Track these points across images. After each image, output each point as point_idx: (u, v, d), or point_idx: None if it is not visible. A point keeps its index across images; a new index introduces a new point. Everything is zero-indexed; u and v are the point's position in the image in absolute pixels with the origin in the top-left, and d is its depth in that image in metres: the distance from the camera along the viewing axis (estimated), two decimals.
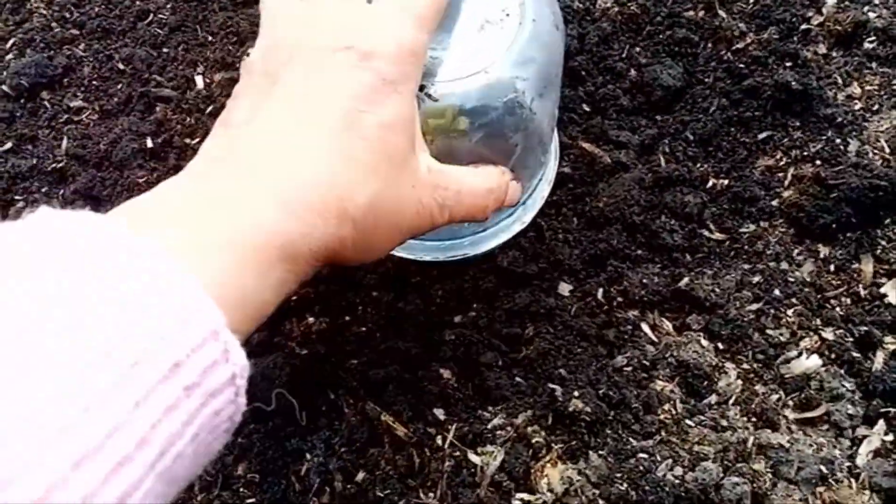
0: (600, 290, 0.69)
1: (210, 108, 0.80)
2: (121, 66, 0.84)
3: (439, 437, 0.62)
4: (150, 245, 0.34)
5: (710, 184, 0.73)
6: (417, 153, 0.50)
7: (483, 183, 0.57)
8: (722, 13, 0.81)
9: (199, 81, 0.82)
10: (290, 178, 0.42)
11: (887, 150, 0.72)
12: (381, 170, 0.46)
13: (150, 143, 0.78)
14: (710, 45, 0.80)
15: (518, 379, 0.65)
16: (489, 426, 0.62)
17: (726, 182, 0.73)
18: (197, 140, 0.78)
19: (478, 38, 0.58)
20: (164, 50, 0.85)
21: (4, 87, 0.83)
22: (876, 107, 0.74)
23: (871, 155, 0.71)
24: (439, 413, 0.63)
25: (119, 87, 0.83)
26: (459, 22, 0.59)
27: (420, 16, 0.51)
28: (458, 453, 0.60)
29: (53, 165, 0.78)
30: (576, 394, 0.62)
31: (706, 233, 0.71)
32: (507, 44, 0.58)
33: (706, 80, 0.78)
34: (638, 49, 0.82)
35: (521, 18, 0.59)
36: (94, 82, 0.83)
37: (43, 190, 0.77)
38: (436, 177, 0.52)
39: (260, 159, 0.43)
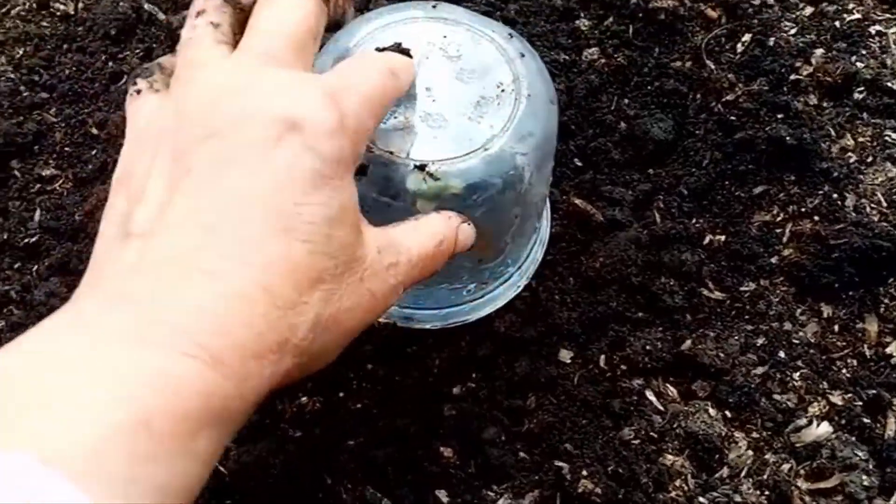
0: (602, 357, 0.67)
1: None
2: (94, 131, 0.81)
3: None
4: (21, 461, 0.26)
5: (706, 240, 0.72)
6: (364, 237, 0.44)
7: (432, 238, 0.51)
8: (710, 63, 0.81)
9: None
10: (210, 315, 0.33)
11: (884, 203, 0.71)
12: (327, 277, 0.38)
13: None
14: (699, 96, 0.79)
15: (522, 454, 0.63)
16: None
17: (723, 238, 0.72)
18: None
19: (475, 114, 0.57)
20: None
21: None
22: (870, 159, 0.73)
23: (868, 209, 0.70)
24: (442, 495, 0.61)
25: (94, 152, 0.80)
26: (455, 98, 0.58)
27: (349, 85, 0.45)
28: None
29: (26, 240, 0.74)
30: (584, 473, 0.60)
31: (706, 292, 0.70)
32: (504, 120, 0.57)
33: (697, 132, 0.77)
34: (627, 101, 0.80)
35: (516, 94, 0.58)
36: (67, 149, 0.80)
37: (15, 266, 0.73)
38: (385, 255, 0.45)
39: (168, 291, 0.34)
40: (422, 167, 0.55)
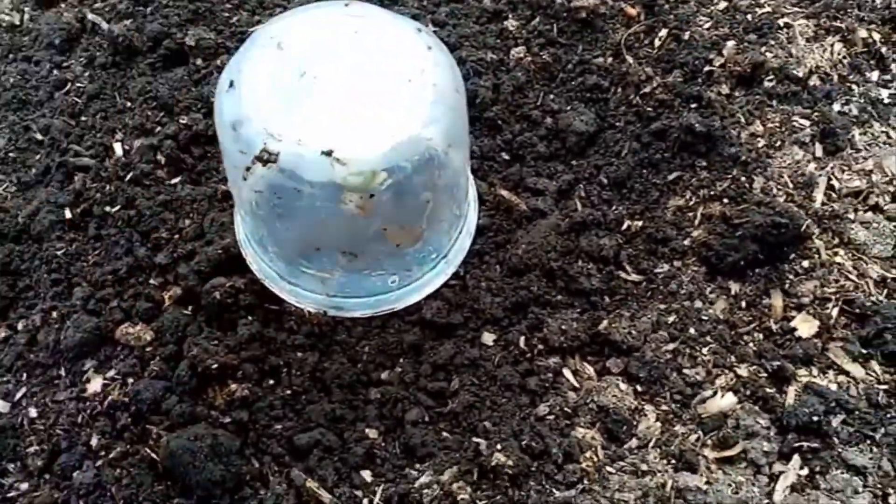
0: (522, 339, 0.70)
1: (129, 175, 0.79)
2: (38, 137, 0.84)
3: (366, 499, 0.61)
4: None
5: (625, 225, 0.75)
6: None
7: None
8: (629, 58, 0.84)
9: (118, 149, 0.82)
10: None
11: (790, 185, 0.74)
12: None
13: (68, 214, 0.77)
14: (619, 89, 0.83)
15: (444, 434, 0.65)
16: (416, 485, 0.62)
17: (640, 223, 0.75)
18: (117, 208, 0.78)
19: (384, 103, 0.60)
20: (83, 118, 0.85)
21: None
22: (778, 143, 0.77)
23: (774, 191, 0.74)
24: (366, 475, 0.63)
25: (37, 157, 0.82)
26: (365, 88, 0.61)
27: None
28: None
29: None
30: (499, 447, 0.62)
31: (623, 274, 0.73)
32: (411, 108, 0.60)
33: (617, 124, 0.81)
34: (552, 96, 0.84)
35: (423, 84, 0.61)
36: (11, 154, 0.82)
37: None
38: None
39: None
40: (329, 153, 0.58)
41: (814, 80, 0.79)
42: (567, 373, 0.68)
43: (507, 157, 0.81)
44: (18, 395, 0.67)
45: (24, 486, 0.63)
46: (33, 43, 0.91)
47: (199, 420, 0.65)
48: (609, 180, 0.78)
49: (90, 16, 0.92)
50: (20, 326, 0.71)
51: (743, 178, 0.75)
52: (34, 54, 0.90)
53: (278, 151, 0.59)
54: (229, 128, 0.61)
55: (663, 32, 0.85)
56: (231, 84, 0.62)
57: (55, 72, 0.89)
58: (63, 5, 0.95)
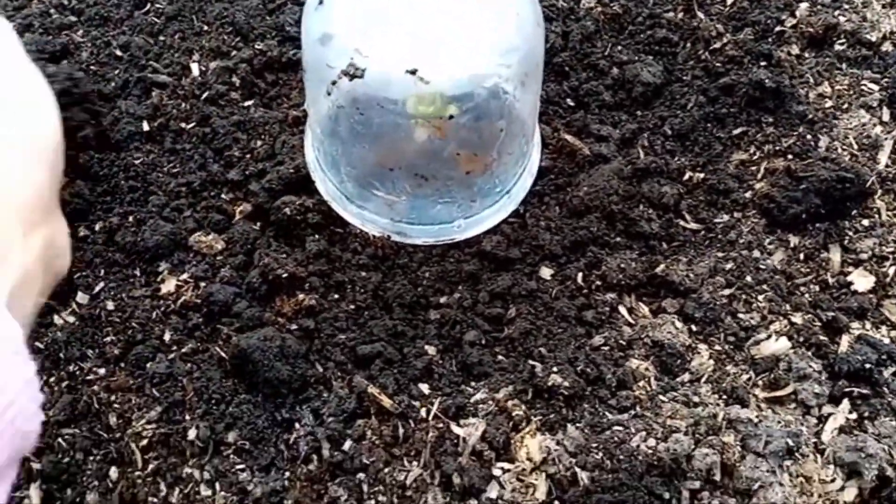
0: (580, 275, 0.71)
1: (205, 95, 0.82)
2: (118, 53, 0.86)
3: (423, 409, 0.64)
4: None
5: (686, 176, 0.77)
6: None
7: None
8: (700, 14, 0.85)
9: (195, 69, 0.84)
10: None
11: (855, 146, 0.75)
12: None
13: (146, 126, 0.80)
14: (688, 44, 0.84)
15: (500, 357, 0.67)
16: (472, 400, 0.64)
17: (702, 175, 0.76)
18: (192, 125, 0.80)
19: (466, 28, 0.62)
20: (161, 38, 0.87)
21: None
22: (845, 105, 0.78)
23: (839, 150, 0.75)
24: (424, 387, 0.66)
25: (116, 72, 0.85)
26: (447, 14, 0.63)
27: None
28: (441, 425, 0.63)
29: None
30: (555, 370, 0.64)
31: (682, 222, 0.74)
32: (491, 35, 0.62)
33: (684, 77, 0.82)
34: (620, 47, 0.85)
35: (505, 12, 0.62)
36: (92, 67, 0.85)
37: None
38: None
39: None
40: (413, 71, 0.60)
41: (886, 46, 0.80)
42: (622, 309, 0.69)
43: (571, 104, 0.83)
44: (97, 289, 0.70)
45: (102, 371, 0.66)
46: None
47: (267, 325, 0.68)
48: (673, 131, 0.79)
49: None
50: (98, 227, 0.74)
51: (808, 136, 0.76)
52: None
53: (364, 67, 0.61)
54: (317, 43, 0.64)
55: None
56: (321, 1, 0.65)
57: None
58: None
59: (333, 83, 0.62)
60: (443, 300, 0.71)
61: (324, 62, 0.62)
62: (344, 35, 0.62)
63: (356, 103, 0.62)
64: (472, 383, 0.66)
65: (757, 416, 0.62)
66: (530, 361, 0.66)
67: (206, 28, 0.88)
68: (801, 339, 0.67)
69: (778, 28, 0.82)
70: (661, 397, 0.63)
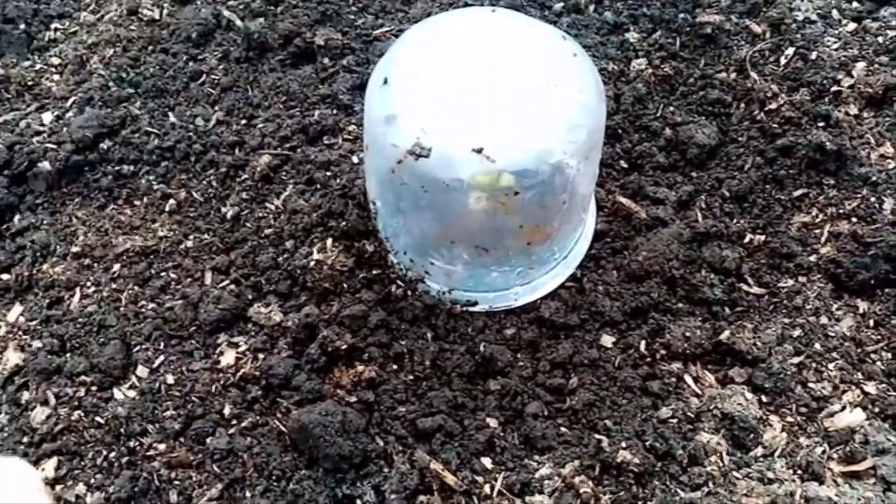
0: (643, 343, 0.70)
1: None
2: (174, 121, 0.88)
3: (487, 485, 0.62)
4: None
5: (747, 239, 0.75)
6: None
7: None
8: (754, 75, 0.84)
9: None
10: None
11: None
12: None
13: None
14: (742, 105, 0.83)
15: (563, 429, 0.66)
16: (536, 476, 0.63)
17: (763, 238, 0.75)
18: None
19: (529, 106, 0.62)
20: (217, 109, 0.89)
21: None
22: None
23: None
24: (486, 462, 0.64)
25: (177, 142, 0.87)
26: (512, 91, 0.63)
27: None
28: (506, 502, 0.61)
29: None
30: (623, 444, 0.63)
31: (745, 287, 0.73)
32: (556, 112, 0.62)
33: (740, 138, 0.81)
34: (672, 108, 0.84)
35: (569, 89, 0.62)
36: (155, 141, 0.87)
37: None
38: None
39: None
40: (479, 150, 0.60)
41: None
42: (689, 379, 0.68)
43: (625, 166, 0.82)
44: (157, 363, 0.70)
45: (162, 446, 0.65)
46: (171, 36, 0.97)
47: (326, 397, 0.67)
48: (731, 193, 0.78)
49: (226, 12, 0.97)
50: (159, 301, 0.75)
51: (873, 199, 0.74)
52: (172, 47, 0.95)
53: (430, 147, 0.61)
54: (382, 122, 0.64)
55: (790, 51, 0.85)
56: (385, 81, 0.65)
57: (191, 63, 0.93)
58: (199, 2, 1.00)
59: (399, 162, 0.62)
60: (503, 369, 0.70)
61: (389, 141, 0.63)
62: (409, 115, 0.62)
63: (421, 181, 0.62)
64: (536, 456, 0.65)
65: (835, 493, 0.60)
66: (595, 435, 0.64)
67: (260, 98, 0.89)
68: (877, 410, 0.64)
69: (835, 88, 0.81)
70: (734, 473, 0.61)
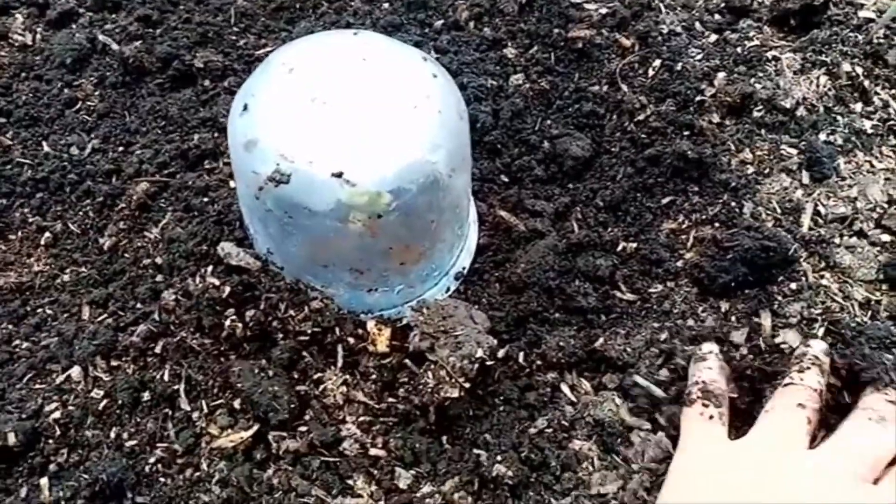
0: (521, 354, 0.72)
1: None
2: (48, 150, 0.86)
3: None
4: None
5: (620, 247, 0.78)
6: None
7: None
8: (624, 87, 0.88)
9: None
10: None
11: (779, 210, 0.78)
12: None
13: None
14: (614, 117, 0.86)
15: (446, 446, 0.67)
16: (418, 494, 0.64)
17: (635, 245, 0.78)
18: None
19: (391, 128, 0.63)
20: (93, 136, 0.87)
21: None
22: (767, 170, 0.80)
23: (764, 216, 0.77)
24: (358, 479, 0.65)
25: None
26: (373, 113, 0.64)
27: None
28: None
29: None
30: (499, 458, 0.64)
31: (618, 294, 0.76)
32: (418, 133, 0.63)
33: (612, 149, 0.84)
34: (549, 122, 0.87)
35: (429, 110, 0.64)
36: (28, 171, 0.84)
37: None
38: None
39: None
40: (339, 174, 0.61)
41: (801, 111, 0.83)
42: (565, 388, 0.70)
43: (506, 180, 0.84)
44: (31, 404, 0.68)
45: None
46: (45, 62, 0.94)
47: None
48: (605, 203, 0.81)
49: (101, 37, 0.95)
50: (34, 339, 0.73)
51: (733, 204, 0.78)
52: (46, 73, 0.93)
53: (290, 172, 0.61)
54: (242, 148, 0.64)
55: (657, 63, 0.88)
56: (245, 107, 0.65)
57: (66, 90, 0.91)
58: (74, 26, 0.98)
59: (261, 189, 0.62)
60: None
61: (250, 168, 0.63)
62: (268, 140, 0.63)
63: (284, 207, 0.63)
64: (415, 474, 0.66)
65: None
66: (475, 450, 0.66)
67: (138, 123, 0.88)
68: None
69: (698, 98, 0.85)
70: (603, 475, 0.64)
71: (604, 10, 0.94)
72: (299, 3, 1.02)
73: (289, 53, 0.69)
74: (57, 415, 0.67)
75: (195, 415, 0.67)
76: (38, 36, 0.97)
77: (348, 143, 0.62)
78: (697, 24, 0.92)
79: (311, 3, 1.02)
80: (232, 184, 0.80)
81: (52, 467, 0.66)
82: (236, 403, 0.67)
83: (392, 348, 0.70)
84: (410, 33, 0.93)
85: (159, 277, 0.76)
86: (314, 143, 0.62)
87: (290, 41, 0.72)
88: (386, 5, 0.99)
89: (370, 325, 0.70)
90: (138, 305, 0.74)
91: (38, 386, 0.70)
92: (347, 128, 0.63)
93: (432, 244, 0.69)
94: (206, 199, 0.79)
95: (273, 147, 0.62)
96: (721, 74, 0.86)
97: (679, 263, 0.76)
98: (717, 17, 0.93)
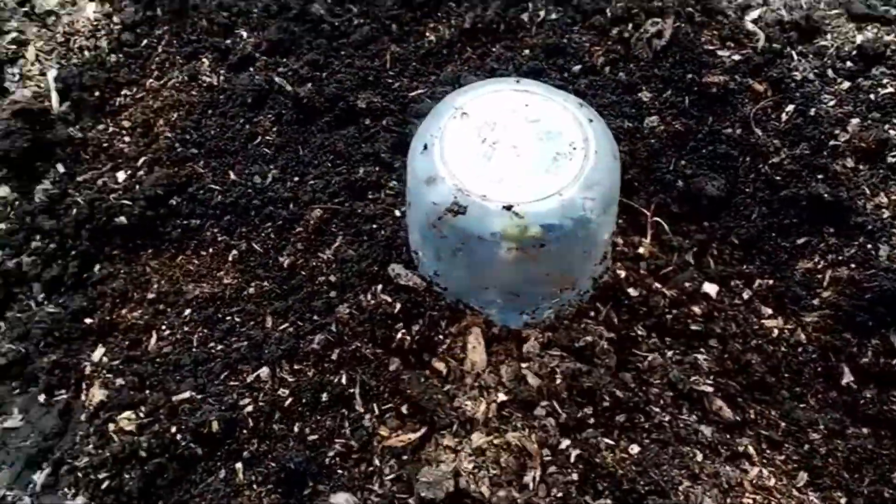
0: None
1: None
2: (233, 177, 0.98)
3: None
4: None
5: (756, 284, 0.83)
6: None
7: None
8: (758, 131, 0.93)
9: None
10: None
11: None
12: None
13: None
14: (748, 159, 0.91)
15: None
16: None
17: (770, 282, 0.83)
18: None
19: (552, 167, 0.71)
20: (272, 167, 0.99)
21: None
22: None
23: None
24: None
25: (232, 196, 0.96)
26: (536, 154, 0.72)
27: None
28: None
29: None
30: None
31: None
32: (576, 172, 0.71)
33: (747, 190, 0.89)
34: (683, 162, 0.93)
35: (586, 151, 0.72)
36: (219, 198, 0.97)
37: None
38: None
39: None
40: (509, 207, 0.69)
41: None
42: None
43: (644, 216, 0.90)
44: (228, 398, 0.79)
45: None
46: (228, 100, 1.07)
47: None
48: (740, 241, 0.86)
49: (277, 79, 1.08)
50: (227, 343, 0.84)
51: (869, 246, 0.82)
52: (229, 110, 1.06)
53: (466, 205, 0.70)
54: (423, 184, 0.73)
55: (790, 108, 0.93)
56: (425, 147, 0.75)
57: (247, 126, 1.04)
58: (252, 69, 1.11)
59: (439, 218, 0.71)
60: None
61: (430, 200, 0.72)
62: (447, 176, 0.72)
63: (458, 235, 0.71)
64: None
65: None
66: None
67: (310, 156, 0.99)
68: None
69: (832, 143, 0.89)
70: None
71: (737, 57, 1.00)
72: (446, 49, 1.11)
73: (461, 99, 0.78)
74: (250, 409, 0.78)
75: (367, 416, 0.76)
76: (222, 77, 1.10)
77: (517, 180, 0.71)
78: (830, 71, 0.96)
79: (457, 50, 1.11)
80: (396, 212, 0.90)
81: (245, 454, 0.76)
82: (404, 408, 0.75)
83: None
84: (552, 77, 1.01)
85: (333, 293, 0.85)
86: (487, 179, 0.71)
87: (459, 88, 0.82)
88: (526, 52, 1.08)
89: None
90: (315, 317, 0.84)
91: (232, 383, 0.81)
92: (515, 166, 0.72)
93: (582, 273, 0.77)
94: (374, 226, 0.89)
95: (451, 182, 0.71)
96: (855, 120, 0.90)
97: (815, 301, 0.80)
98: (849, 64, 0.97)
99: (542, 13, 1.11)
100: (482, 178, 0.71)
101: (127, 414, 0.79)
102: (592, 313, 0.78)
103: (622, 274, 0.84)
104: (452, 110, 0.76)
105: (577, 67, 1.04)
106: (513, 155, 0.73)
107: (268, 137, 1.02)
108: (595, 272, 0.79)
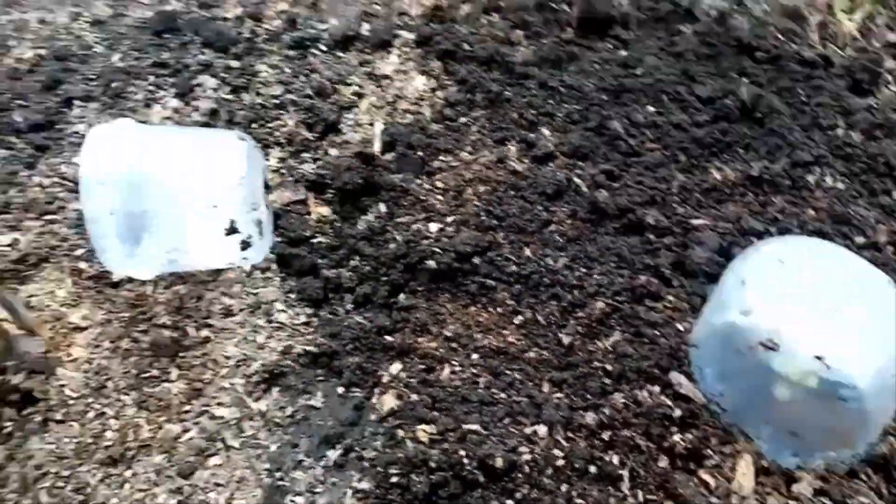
0: None
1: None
2: (528, 254, 1.12)
3: None
4: None
5: None
6: None
7: None
8: None
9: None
10: None
11: None
12: None
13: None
14: None
15: None
16: None
17: None
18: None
19: (867, 325, 0.79)
20: (562, 256, 1.12)
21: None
22: None
23: None
24: None
25: (516, 269, 1.10)
26: (852, 309, 0.81)
27: None
28: None
29: None
30: None
31: None
32: (891, 336, 0.78)
33: None
34: None
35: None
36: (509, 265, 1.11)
37: None
38: None
39: None
40: (820, 357, 0.78)
41: None
42: None
43: None
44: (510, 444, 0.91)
45: None
46: (529, 187, 1.23)
47: None
48: None
49: (576, 179, 1.23)
50: (508, 394, 0.96)
51: None
52: (530, 196, 1.21)
53: (780, 343, 0.80)
54: (738, 313, 0.84)
55: None
56: (743, 282, 0.85)
57: (544, 213, 1.18)
58: (552, 164, 1.26)
59: (749, 348, 0.81)
60: None
61: (743, 329, 0.82)
62: (763, 313, 0.82)
63: (763, 370, 0.80)
64: None
65: None
66: None
67: (595, 255, 1.12)
68: None
69: None
70: None
71: None
72: (728, 189, 1.23)
73: (776, 247, 0.88)
74: (528, 457, 0.89)
75: (631, 500, 0.85)
76: (525, 166, 1.27)
77: (831, 332, 0.80)
78: None
79: (739, 192, 1.22)
80: (679, 326, 1.01)
81: (517, 495, 0.87)
82: None
83: None
84: (835, 242, 1.10)
85: (608, 380, 0.96)
86: (802, 325, 0.80)
87: (777, 237, 0.92)
88: (811, 212, 1.17)
89: None
90: (588, 396, 0.95)
91: (512, 429, 0.92)
92: (830, 319, 0.80)
93: (865, 436, 0.83)
94: (656, 332, 1.00)
95: (767, 319, 0.81)
96: None
97: None
98: None
99: (828, 179, 1.20)
100: (799, 323, 0.81)
101: (422, 426, 0.92)
102: (864, 476, 0.84)
103: None
104: (769, 256, 0.87)
105: (859, 239, 1.12)
106: (829, 307, 0.82)
107: (562, 227, 1.16)
108: (874, 438, 0.85)
